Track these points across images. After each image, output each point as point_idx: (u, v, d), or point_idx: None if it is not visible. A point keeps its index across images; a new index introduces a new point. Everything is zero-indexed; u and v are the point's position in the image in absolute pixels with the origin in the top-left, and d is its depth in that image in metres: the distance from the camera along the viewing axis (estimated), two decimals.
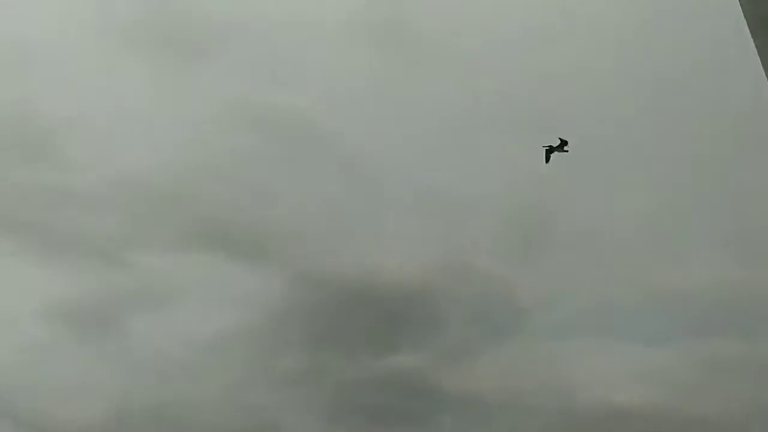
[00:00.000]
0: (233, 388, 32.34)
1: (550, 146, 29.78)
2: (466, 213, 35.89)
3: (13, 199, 31.69)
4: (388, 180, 35.23)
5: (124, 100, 32.80)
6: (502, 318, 34.77)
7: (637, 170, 35.63)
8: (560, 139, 29.79)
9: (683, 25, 33.12)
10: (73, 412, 30.81)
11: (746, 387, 31.98)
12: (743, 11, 15.91)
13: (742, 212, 33.27)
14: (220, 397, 32.00)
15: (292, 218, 34.66)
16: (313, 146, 34.61)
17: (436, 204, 35.19)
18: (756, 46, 15.89)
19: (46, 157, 32.25)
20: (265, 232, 34.26)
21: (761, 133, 29.55)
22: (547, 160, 29.95)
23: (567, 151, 30.19)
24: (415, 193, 35.15)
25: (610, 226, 35.82)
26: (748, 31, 15.94)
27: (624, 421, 32.37)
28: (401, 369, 33.83)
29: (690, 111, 33.80)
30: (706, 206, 33.97)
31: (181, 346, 32.55)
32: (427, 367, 33.76)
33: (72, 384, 31.23)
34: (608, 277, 34.92)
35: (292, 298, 34.65)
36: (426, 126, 34.44)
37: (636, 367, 34.08)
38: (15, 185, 31.71)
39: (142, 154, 33.14)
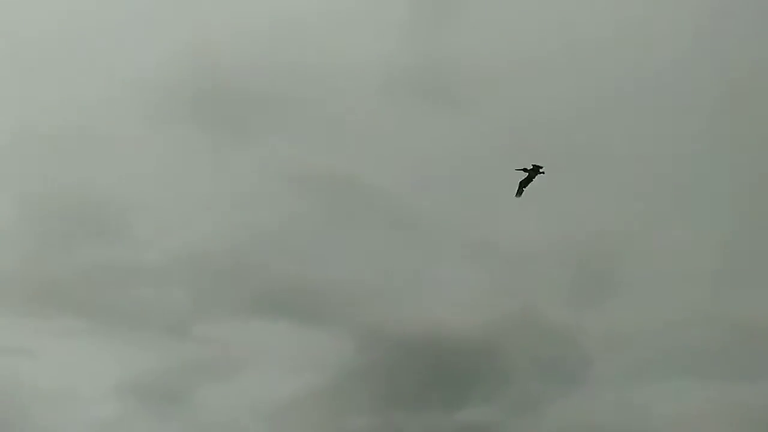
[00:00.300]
0: None
1: (524, 169, 29.11)
2: (525, 263, 35.92)
3: (84, 279, 32.61)
4: (444, 234, 35.50)
5: (183, 179, 33.73)
6: (570, 366, 34.53)
7: (706, 203, 35.30)
8: (533, 165, 29.16)
9: None
10: None
11: None
12: None
13: None
14: None
15: (352, 279, 35.03)
16: (367, 207, 35.07)
17: (494, 256, 35.30)
18: None
19: (114, 237, 33.24)
20: (326, 295, 34.68)
21: None
22: (519, 193, 29.43)
23: (543, 173, 29.59)
24: (472, 245, 35.32)
25: (677, 263, 35.43)
26: None
27: None
28: (470, 423, 33.74)
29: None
30: None
31: (252, 414, 32.93)
32: (496, 421, 33.64)
33: None
34: (680, 317, 34.47)
35: (359, 358, 34.91)
36: (476, 178, 34.67)
37: (718, 407, 33.38)
38: (86, 266, 32.66)
39: (204, 228, 33.97)
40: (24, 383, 30.97)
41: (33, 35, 32.94)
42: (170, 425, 32.17)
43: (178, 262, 33.78)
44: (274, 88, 34.05)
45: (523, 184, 29.46)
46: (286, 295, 34.49)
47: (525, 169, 29.37)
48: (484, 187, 34.85)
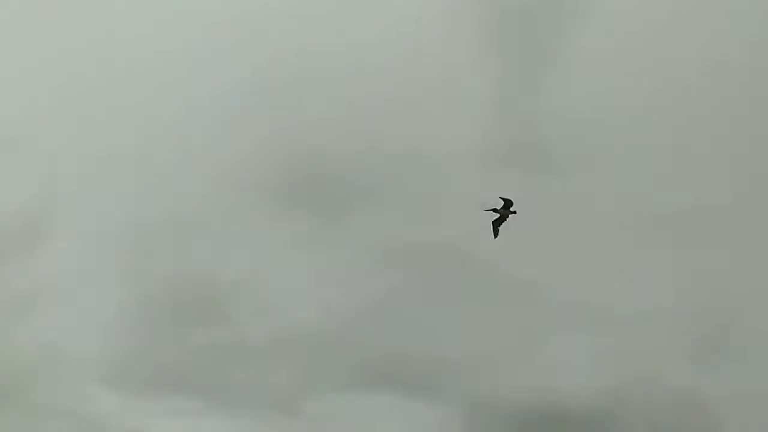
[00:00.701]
0: None
1: (494, 209, 27.89)
2: (641, 325, 34.62)
3: (189, 360, 33.73)
4: (552, 300, 34.71)
5: (283, 259, 34.58)
6: None
7: None
8: (502, 198, 27.86)
9: None
10: None
11: None
12: None
13: None
14: None
15: (458, 351, 34.70)
16: (469, 276, 34.81)
17: (607, 319, 34.24)
18: None
19: (220, 320, 34.30)
20: (432, 368, 34.44)
21: None
22: (496, 233, 28.17)
23: (515, 212, 28.31)
24: (583, 309, 34.35)
25: None
26: None
27: None
28: None
29: None
30: None
31: None
32: None
33: None
34: None
35: (471, 430, 34.35)
36: (580, 242, 33.92)
37: None
38: (195, 347, 33.81)
39: (306, 306, 34.58)
40: None
41: (137, 125, 34.99)
42: None
43: (282, 341, 34.46)
44: (368, 165, 34.70)
45: (497, 223, 28.68)
46: (391, 370, 34.48)
47: (495, 209, 28.64)
48: (589, 250, 34.13)
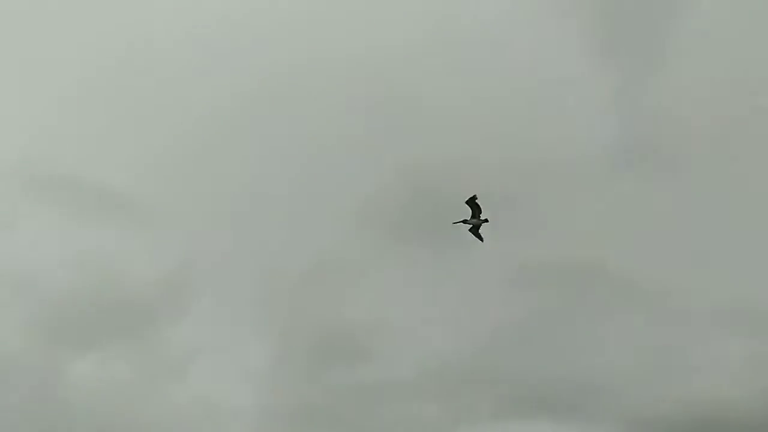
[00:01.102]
0: None
1: (464, 221, 26.45)
2: None
3: (339, 400, 34.59)
4: (693, 308, 33.55)
5: (417, 292, 35.01)
6: None
7: None
8: (469, 203, 26.36)
9: None
10: None
11: None
12: None
13: None
14: None
15: (606, 368, 34.08)
16: (607, 291, 34.20)
17: (751, 320, 32.76)
18: None
19: (361, 358, 35.07)
20: (583, 387, 33.92)
21: None
22: (481, 238, 26.71)
23: (486, 220, 26.65)
24: (724, 314, 33.02)
25: None
26: None
27: None
28: None
29: None
30: None
31: None
32: None
33: None
34: None
35: None
36: (709, 244, 32.62)
37: None
38: (338, 388, 34.66)
39: (445, 337, 34.81)
40: None
41: (266, 176, 36.22)
42: None
43: (427, 374, 34.80)
44: (490, 185, 34.59)
45: (475, 231, 27.64)
46: (541, 393, 34.18)
47: (465, 221, 27.57)
48: (718, 251, 32.75)
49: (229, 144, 36.75)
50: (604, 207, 33.80)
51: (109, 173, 35.69)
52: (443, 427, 34.58)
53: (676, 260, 33.34)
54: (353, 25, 36.39)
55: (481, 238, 28.66)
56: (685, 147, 33.28)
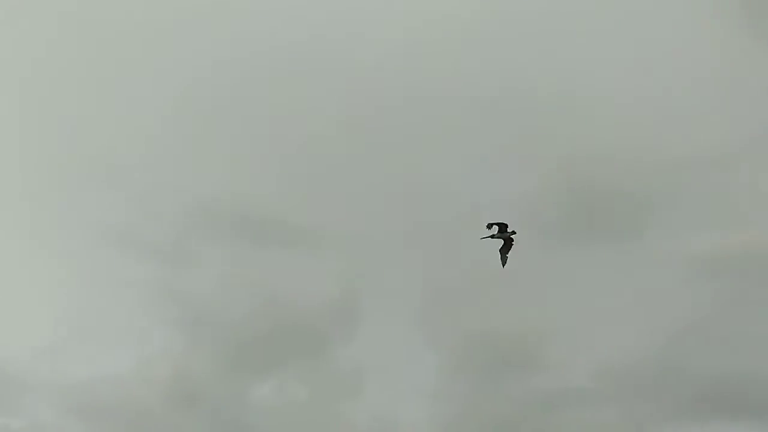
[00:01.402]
0: None
1: (492, 236, 24.38)
2: None
3: (516, 410, 34.20)
4: None
5: (586, 290, 34.16)
6: None
7: None
8: (496, 225, 23.53)
9: None
10: None
11: None
12: None
13: None
14: None
15: None
16: None
17: None
18: None
19: (534, 365, 34.54)
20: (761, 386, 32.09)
21: None
22: (504, 261, 23.83)
23: (515, 232, 23.67)
24: None
25: None
26: None
27: None
28: None
29: None
30: None
31: None
32: None
33: None
34: None
35: None
36: None
37: None
38: (515, 397, 34.30)
39: (619, 336, 33.78)
40: None
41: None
42: None
43: (605, 377, 33.92)
44: (649, 174, 33.45)
45: (504, 251, 25.04)
46: (721, 393, 32.61)
47: (493, 236, 25.00)
48: None
49: (395, 169, 37.16)
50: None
51: (279, 205, 36.80)
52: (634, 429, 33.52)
53: None
54: None
55: (504, 262, 26.56)
56: None
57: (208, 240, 35.91)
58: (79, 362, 34.29)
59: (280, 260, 36.13)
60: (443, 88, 36.43)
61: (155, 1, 37.56)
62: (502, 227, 26.00)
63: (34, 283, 34.66)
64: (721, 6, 34.08)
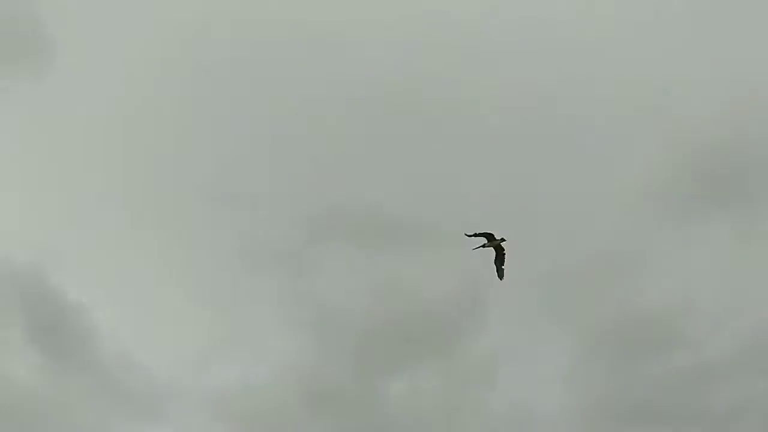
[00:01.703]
0: None
1: (483, 245, 23.29)
2: None
3: (654, 390, 33.44)
4: None
5: (713, 264, 33.29)
6: None
7: None
8: (484, 235, 22.23)
9: None
10: None
11: None
12: None
13: None
14: None
15: None
16: None
17: None
18: None
19: (670, 344, 33.72)
20: None
21: None
22: (501, 274, 23.10)
23: (503, 239, 21.80)
24: None
25: None
26: None
27: None
28: None
29: None
30: None
31: None
32: None
33: None
34: None
35: None
36: None
37: None
38: (653, 376, 33.54)
39: (755, 309, 32.81)
40: None
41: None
42: None
43: (745, 350, 32.86)
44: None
45: (499, 263, 23.67)
46: None
47: (484, 245, 24.07)
48: None
49: (511, 169, 37.04)
50: None
51: (399, 205, 37.02)
52: None
53: None
54: None
55: (501, 274, 25.27)
56: None
57: (332, 244, 36.38)
58: (221, 371, 35.15)
59: (403, 259, 36.28)
60: None
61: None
62: (489, 237, 25.04)
63: (175, 301, 35.81)
64: None
